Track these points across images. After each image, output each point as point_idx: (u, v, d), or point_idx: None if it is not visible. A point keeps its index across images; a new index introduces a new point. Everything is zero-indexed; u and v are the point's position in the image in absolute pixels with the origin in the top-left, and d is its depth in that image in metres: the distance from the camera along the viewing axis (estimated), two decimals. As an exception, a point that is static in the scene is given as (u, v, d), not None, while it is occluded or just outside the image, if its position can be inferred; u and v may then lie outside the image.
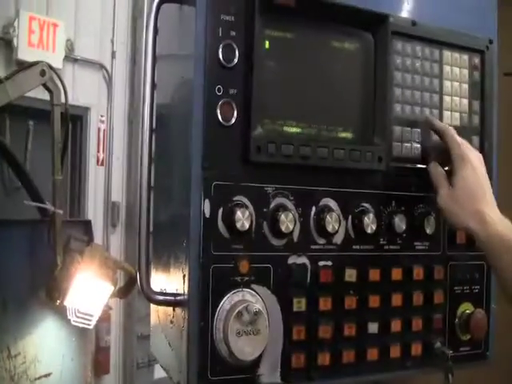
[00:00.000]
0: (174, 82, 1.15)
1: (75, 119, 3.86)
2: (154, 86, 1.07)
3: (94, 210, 4.02)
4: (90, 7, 3.95)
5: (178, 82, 1.13)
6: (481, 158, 1.14)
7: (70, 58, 3.83)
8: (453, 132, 1.14)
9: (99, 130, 4.06)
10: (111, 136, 4.11)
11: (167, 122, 1.21)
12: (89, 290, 1.70)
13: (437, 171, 1.14)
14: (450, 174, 1.12)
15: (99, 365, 3.91)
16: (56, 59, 3.55)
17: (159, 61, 1.10)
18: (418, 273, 1.16)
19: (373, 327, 1.11)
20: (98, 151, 4.07)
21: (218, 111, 0.98)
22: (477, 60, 1.27)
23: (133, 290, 1.80)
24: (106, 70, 4.08)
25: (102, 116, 4.07)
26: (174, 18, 1.13)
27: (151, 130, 1.07)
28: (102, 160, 4.09)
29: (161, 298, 1.07)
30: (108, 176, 4.12)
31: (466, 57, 1.25)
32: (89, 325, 1.74)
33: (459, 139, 1.13)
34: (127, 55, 4.24)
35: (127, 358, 4.31)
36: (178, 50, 1.15)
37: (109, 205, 4.13)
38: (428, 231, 1.16)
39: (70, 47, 3.80)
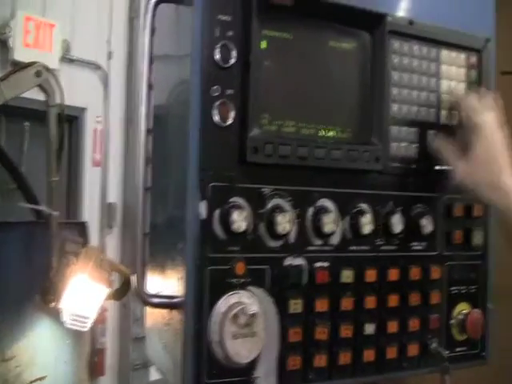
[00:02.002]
0: (172, 83, 1.14)
1: (71, 120, 3.85)
2: (150, 86, 1.07)
3: (91, 212, 4.00)
4: (86, 7, 3.94)
5: (175, 82, 1.12)
6: (497, 128, 1.13)
7: (66, 58, 3.82)
8: (470, 100, 1.15)
9: (95, 130, 4.05)
10: (107, 137, 4.10)
11: (165, 123, 1.20)
12: (84, 293, 1.69)
13: (445, 147, 1.15)
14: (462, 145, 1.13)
15: (95, 367, 3.89)
16: (52, 59, 3.54)
17: (157, 61, 1.09)
18: (415, 273, 1.16)
19: (369, 328, 1.10)
20: (95, 152, 4.06)
21: (215, 112, 0.97)
22: (474, 59, 1.26)
23: (128, 292, 1.79)
24: (103, 71, 4.07)
25: (98, 117, 4.06)
26: (172, 18, 1.12)
27: (147, 131, 1.07)
28: (99, 161, 4.08)
29: (156, 300, 1.06)
30: (104, 177, 4.11)
31: (463, 56, 1.25)
32: (84, 327, 1.73)
33: (475, 106, 1.14)
34: (124, 56, 4.23)
35: (123, 360, 4.30)
36: (175, 51, 1.14)
37: (105, 206, 4.12)
38: (425, 231, 1.15)
39: (66, 47, 3.79)
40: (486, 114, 1.13)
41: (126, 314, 4.25)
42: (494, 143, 1.11)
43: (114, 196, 4.18)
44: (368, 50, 1.11)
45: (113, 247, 4.12)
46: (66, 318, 1.72)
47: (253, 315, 0.96)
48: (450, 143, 1.15)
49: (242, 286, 1.00)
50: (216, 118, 0.97)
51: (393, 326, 1.13)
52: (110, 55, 4.10)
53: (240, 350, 0.96)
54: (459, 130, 1.17)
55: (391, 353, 1.13)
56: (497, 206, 1.07)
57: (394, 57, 1.15)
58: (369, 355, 1.10)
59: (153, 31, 1.05)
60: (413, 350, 1.15)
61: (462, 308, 1.23)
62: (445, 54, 1.22)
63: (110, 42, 4.11)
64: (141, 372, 4.37)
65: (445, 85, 1.22)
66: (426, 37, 1.18)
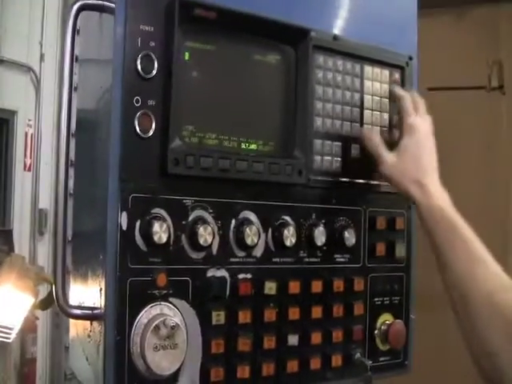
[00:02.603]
0: (98, 88, 1.13)
1: (1, 123, 3.73)
2: (72, 89, 1.05)
3: (20, 218, 3.88)
4: (17, 8, 3.83)
5: (100, 88, 1.11)
6: (430, 133, 1.17)
7: (-4, 59, 3.71)
8: (409, 101, 1.18)
9: (26, 134, 3.94)
10: (39, 141, 4.00)
11: (94, 129, 1.18)
12: (8, 303, 1.64)
13: (374, 135, 1.18)
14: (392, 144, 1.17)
15: (25, 378, 3.78)
16: (-20, 60, 3.43)
17: (87, 64, 1.07)
18: (338, 285, 1.17)
19: (293, 339, 1.11)
20: (26, 156, 3.94)
21: (136, 122, 0.96)
22: (397, 75, 1.30)
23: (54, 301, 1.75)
24: (35, 73, 3.97)
25: (29, 120, 3.95)
26: (97, 24, 1.11)
27: (69, 135, 1.04)
28: (30, 165, 3.97)
29: (78, 312, 1.05)
30: (35, 182, 4.00)
31: (386, 72, 1.28)
32: (8, 338, 1.69)
33: (412, 110, 1.17)
34: (57, 58, 4.13)
35: (54, 370, 4.19)
36: (100, 57, 1.13)
37: (36, 212, 4.01)
38: (348, 243, 1.17)
39: (-5, 48, 3.68)
40: (421, 118, 1.17)
41: (58, 323, 4.14)
42: (425, 145, 1.15)
43: (46, 202, 4.07)
44: (292, 64, 1.13)
45: (44, 255, 4.01)
46: (-11, 329, 1.67)
47: (174, 327, 0.96)
48: (380, 135, 1.20)
49: (164, 298, 0.99)
50: (137, 128, 0.96)
51: (316, 337, 1.14)
52: (42, 57, 3.99)
53: (161, 362, 0.95)
54: (390, 130, 1.24)
55: (315, 364, 1.14)
56: (418, 204, 1.10)
57: (318, 71, 1.16)
58: (292, 366, 1.11)
59: (74, 38, 1.04)
60: (336, 360, 1.17)
61: (386, 319, 1.26)
62: (368, 69, 1.24)
63: (43, 44, 4.01)
64: (73, 382, 4.27)
65: (368, 100, 1.24)
66: (349, 52, 1.21)
